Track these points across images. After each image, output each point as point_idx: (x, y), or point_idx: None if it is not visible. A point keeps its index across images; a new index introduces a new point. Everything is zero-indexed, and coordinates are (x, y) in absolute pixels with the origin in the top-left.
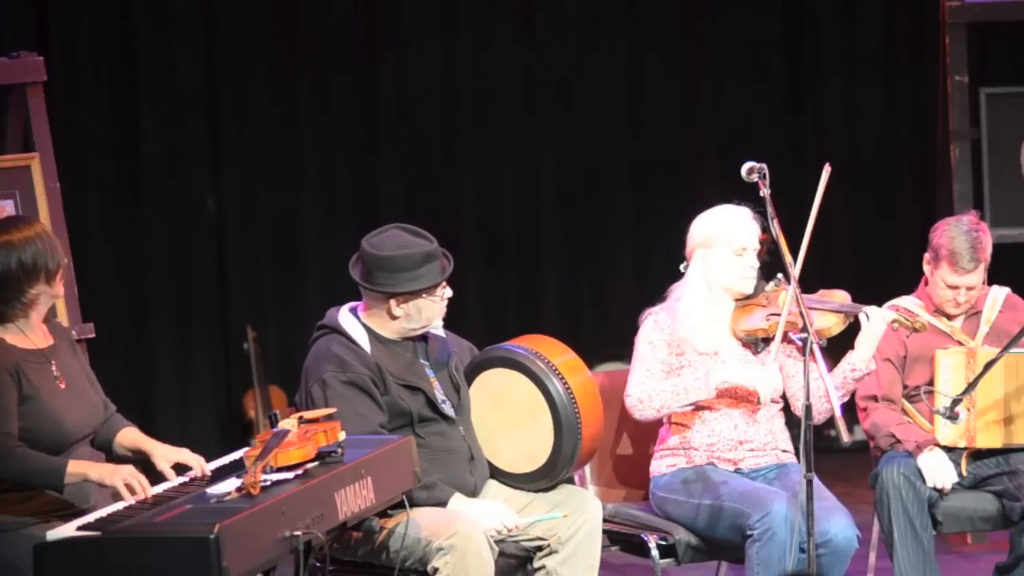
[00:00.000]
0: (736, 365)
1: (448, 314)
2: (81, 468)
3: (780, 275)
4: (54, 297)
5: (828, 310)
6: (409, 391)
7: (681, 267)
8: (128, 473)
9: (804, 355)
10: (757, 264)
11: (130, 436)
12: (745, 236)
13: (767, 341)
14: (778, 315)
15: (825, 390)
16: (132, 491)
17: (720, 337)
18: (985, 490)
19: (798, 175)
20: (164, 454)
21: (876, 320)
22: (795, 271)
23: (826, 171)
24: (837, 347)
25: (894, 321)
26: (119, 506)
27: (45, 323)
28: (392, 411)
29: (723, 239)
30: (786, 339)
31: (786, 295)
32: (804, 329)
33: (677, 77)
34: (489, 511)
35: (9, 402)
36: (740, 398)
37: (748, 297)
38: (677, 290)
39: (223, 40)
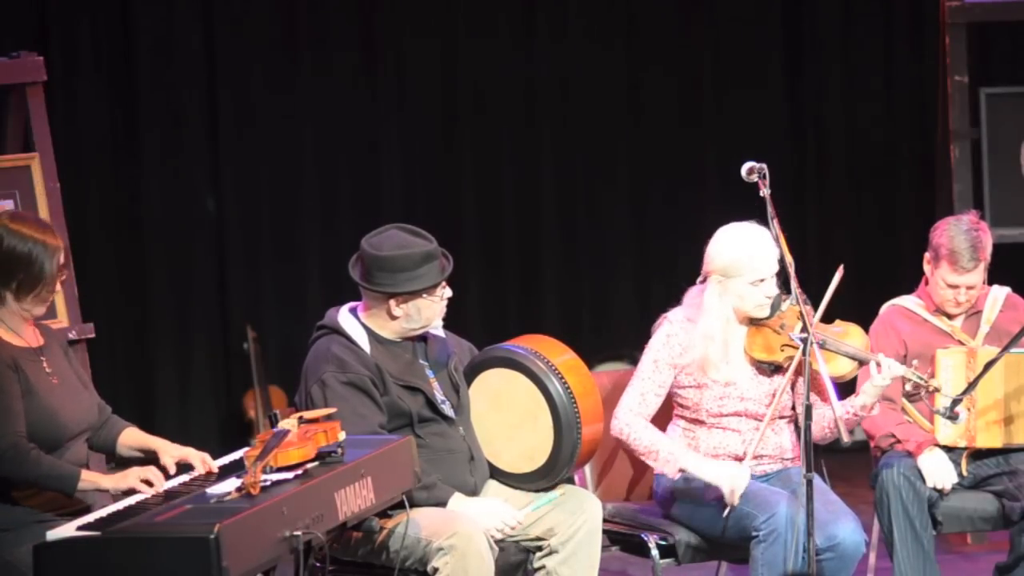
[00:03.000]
0: (706, 461)
1: (448, 314)
2: (93, 478)
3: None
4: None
5: (844, 354)
6: (409, 391)
7: (698, 280)
8: (140, 471)
9: (804, 354)
10: (775, 291)
11: (134, 436)
12: (765, 268)
13: (780, 369)
14: (793, 347)
15: (832, 418)
16: (149, 484)
17: (734, 369)
18: (985, 490)
19: (798, 176)
20: (170, 451)
21: (886, 373)
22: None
23: (839, 273)
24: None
25: (907, 382)
26: (119, 506)
27: (36, 325)
28: (392, 411)
29: (742, 272)
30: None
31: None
32: (804, 329)
33: (677, 78)
34: (489, 510)
35: (15, 400)
36: (749, 415)
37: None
38: (690, 297)
39: (223, 40)
